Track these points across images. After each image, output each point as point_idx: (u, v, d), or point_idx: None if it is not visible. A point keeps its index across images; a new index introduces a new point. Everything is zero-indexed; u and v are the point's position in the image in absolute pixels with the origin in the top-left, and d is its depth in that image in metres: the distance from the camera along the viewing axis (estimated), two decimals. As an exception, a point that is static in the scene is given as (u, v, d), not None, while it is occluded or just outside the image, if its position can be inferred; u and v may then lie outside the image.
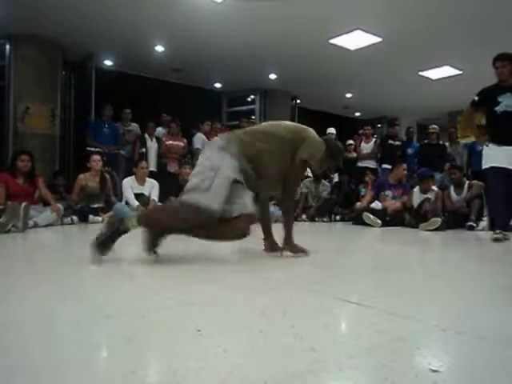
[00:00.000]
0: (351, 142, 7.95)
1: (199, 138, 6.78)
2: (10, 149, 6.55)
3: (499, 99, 3.90)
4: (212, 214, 2.12)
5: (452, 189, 5.67)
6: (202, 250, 3.00)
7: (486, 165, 3.98)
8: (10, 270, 2.09)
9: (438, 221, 4.93)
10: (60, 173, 6.59)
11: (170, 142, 6.59)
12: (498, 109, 3.89)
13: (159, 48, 7.32)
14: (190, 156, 6.86)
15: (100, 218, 4.92)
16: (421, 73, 8.29)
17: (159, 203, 5.01)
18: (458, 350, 1.07)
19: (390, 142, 7.16)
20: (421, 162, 6.73)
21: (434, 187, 5.78)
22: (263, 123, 2.79)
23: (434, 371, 0.89)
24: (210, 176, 2.16)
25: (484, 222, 5.15)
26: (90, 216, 4.86)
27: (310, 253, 2.50)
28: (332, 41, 6.75)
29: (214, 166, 2.19)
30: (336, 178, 7.65)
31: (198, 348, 1.02)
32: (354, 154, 7.69)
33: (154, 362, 0.98)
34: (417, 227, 5.11)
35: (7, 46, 6.72)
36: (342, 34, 6.52)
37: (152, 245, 2.33)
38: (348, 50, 7.10)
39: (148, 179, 5.16)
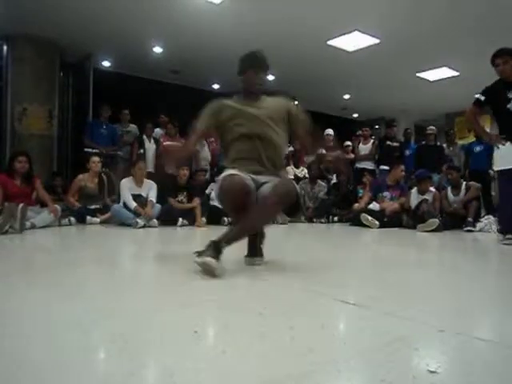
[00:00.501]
0: (349, 143, 7.95)
1: (198, 140, 6.78)
2: (7, 150, 6.54)
3: (510, 96, 3.74)
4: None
5: (449, 190, 5.68)
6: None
7: (500, 166, 3.81)
8: (8, 271, 2.09)
9: (435, 222, 4.94)
10: (58, 173, 6.58)
11: (168, 143, 6.58)
12: (511, 106, 3.71)
13: (157, 49, 7.32)
14: (187, 157, 6.84)
15: (98, 220, 4.91)
16: (418, 74, 8.32)
17: (157, 204, 5.00)
18: (456, 351, 1.07)
19: (388, 143, 7.18)
20: (418, 164, 6.74)
21: (432, 188, 5.79)
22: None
23: (431, 372, 0.90)
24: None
25: (482, 224, 5.16)
26: (88, 217, 4.85)
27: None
28: (330, 42, 6.76)
29: None
30: (334, 178, 7.65)
31: (196, 349, 1.01)
32: (352, 155, 7.70)
33: (153, 364, 0.97)
34: (414, 228, 5.11)
35: (5, 47, 6.71)
36: (339, 36, 6.53)
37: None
38: (346, 51, 7.12)
39: (146, 180, 5.15)
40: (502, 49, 3.83)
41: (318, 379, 0.88)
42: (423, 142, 7.50)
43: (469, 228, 5.06)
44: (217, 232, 2.67)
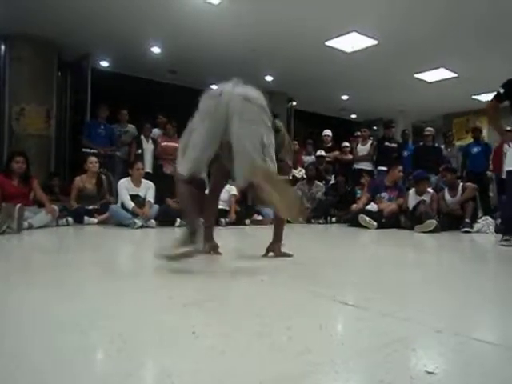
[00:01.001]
0: (347, 144, 7.97)
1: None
2: (5, 150, 6.52)
3: None
4: None
5: (446, 191, 5.69)
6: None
7: (508, 166, 3.79)
8: (6, 271, 2.08)
9: (432, 223, 4.94)
10: (55, 174, 6.56)
11: (166, 143, 6.57)
12: None
13: (155, 49, 7.31)
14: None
15: (95, 220, 4.90)
16: (416, 75, 8.33)
17: (155, 204, 4.99)
18: (454, 352, 1.07)
19: (386, 144, 7.18)
20: (416, 165, 6.75)
21: (430, 189, 5.80)
22: None
23: (429, 373, 0.90)
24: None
25: (479, 224, 5.18)
26: (86, 217, 4.84)
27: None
28: (328, 43, 6.77)
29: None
30: (332, 179, 7.66)
31: (194, 349, 1.01)
32: (350, 156, 7.71)
33: (150, 364, 0.97)
34: (412, 229, 5.12)
35: (2, 47, 6.70)
36: (338, 37, 6.54)
37: None
38: (344, 52, 7.13)
39: (144, 180, 5.15)
40: None
41: (316, 380, 0.88)
42: (421, 143, 7.51)
43: (466, 229, 5.07)
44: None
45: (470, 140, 7.91)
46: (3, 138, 6.65)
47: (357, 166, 7.42)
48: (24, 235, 3.70)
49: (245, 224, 5.50)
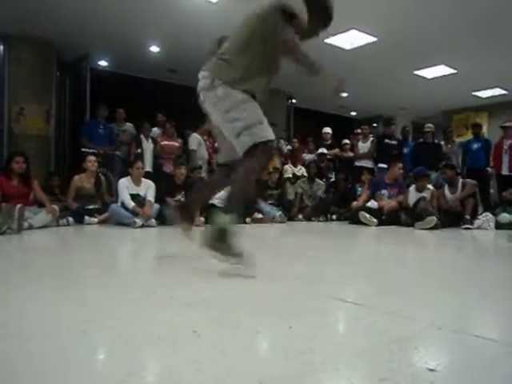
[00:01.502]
0: (347, 141, 7.96)
1: (195, 139, 6.76)
2: (4, 150, 6.52)
3: None
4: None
5: (446, 188, 5.69)
6: (201, 249, 2.99)
7: None
8: (7, 271, 2.08)
9: (433, 220, 4.94)
10: (55, 173, 6.56)
11: (165, 142, 6.57)
12: None
13: (154, 48, 7.30)
14: (185, 156, 6.84)
15: (95, 220, 4.90)
16: (416, 72, 8.32)
17: (156, 204, 4.99)
18: (455, 349, 1.07)
19: (386, 141, 7.18)
20: (416, 161, 6.75)
21: (430, 186, 5.80)
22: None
23: (430, 370, 0.90)
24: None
25: (479, 221, 5.17)
26: (86, 217, 4.84)
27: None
28: (327, 40, 6.76)
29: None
30: (332, 177, 7.66)
31: (195, 349, 1.01)
32: (351, 154, 7.71)
33: (151, 364, 0.97)
34: (412, 226, 5.12)
35: (1, 47, 6.69)
36: (337, 34, 6.52)
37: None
38: (343, 49, 7.11)
39: (144, 180, 5.14)
40: None
41: (318, 378, 0.88)
42: (421, 140, 7.50)
43: (466, 225, 5.07)
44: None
45: (469, 136, 7.90)
46: (3, 138, 6.65)
47: (357, 163, 7.42)
48: (24, 235, 3.70)
49: (245, 222, 5.50)
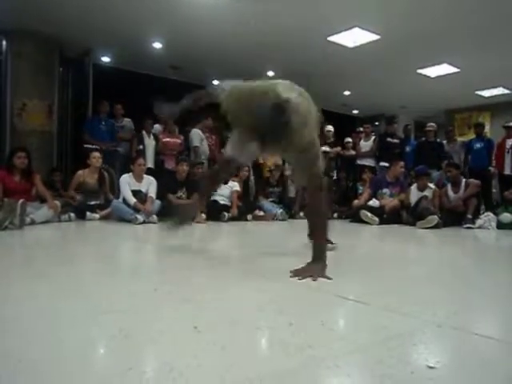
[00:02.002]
0: (349, 139, 7.95)
1: (196, 135, 6.75)
2: (7, 145, 6.52)
3: None
4: None
5: (449, 187, 5.68)
6: (202, 246, 3.01)
7: None
8: (8, 266, 2.09)
9: (434, 219, 4.94)
10: (57, 169, 6.57)
11: (167, 139, 6.57)
12: None
13: (157, 45, 7.29)
14: (187, 153, 6.84)
15: (97, 216, 4.92)
16: (419, 70, 8.29)
17: (157, 200, 5.00)
18: (455, 347, 1.08)
19: (388, 139, 7.17)
20: (418, 160, 6.74)
21: (432, 185, 5.79)
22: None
23: (430, 368, 0.90)
24: None
25: (481, 221, 5.17)
26: (88, 213, 4.85)
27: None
28: (330, 38, 6.74)
29: None
30: (334, 175, 7.65)
31: (195, 344, 1.02)
32: (353, 152, 7.70)
33: (152, 359, 0.98)
34: (414, 225, 5.11)
35: (4, 42, 6.67)
36: (340, 32, 6.51)
37: None
38: (346, 47, 7.09)
39: (145, 176, 5.15)
40: None
41: (318, 374, 0.88)
42: (423, 139, 7.49)
43: (468, 225, 5.07)
44: (216, 228, 2.67)
45: (472, 136, 7.88)
46: (5, 134, 6.65)
47: (360, 161, 7.42)
48: (26, 231, 3.71)
49: (246, 219, 5.51)
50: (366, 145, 7.44)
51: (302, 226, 5.29)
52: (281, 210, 5.96)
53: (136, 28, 6.54)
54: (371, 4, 5.60)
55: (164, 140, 6.54)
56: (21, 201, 3.79)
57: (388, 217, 5.45)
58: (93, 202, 5.05)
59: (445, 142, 7.57)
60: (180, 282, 1.77)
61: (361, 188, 6.71)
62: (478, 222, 5.15)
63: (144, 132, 6.54)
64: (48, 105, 6.79)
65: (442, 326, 1.20)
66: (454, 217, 5.29)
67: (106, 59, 8.10)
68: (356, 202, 6.00)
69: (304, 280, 1.78)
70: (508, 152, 6.77)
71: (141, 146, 6.39)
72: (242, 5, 5.62)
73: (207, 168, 6.45)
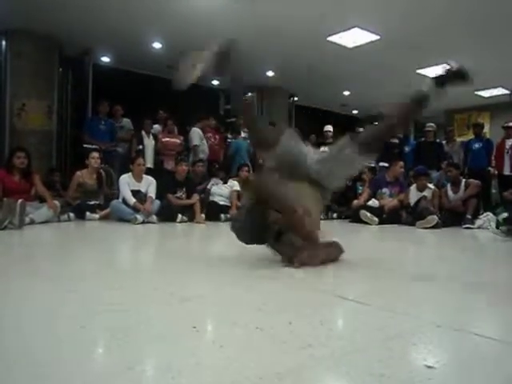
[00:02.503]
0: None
1: (196, 134, 6.74)
2: (6, 145, 6.52)
3: None
4: None
5: (449, 187, 5.68)
6: (202, 246, 3.00)
7: None
8: (8, 266, 2.09)
9: (434, 219, 4.94)
10: (56, 169, 6.57)
11: (167, 139, 6.57)
12: None
13: (156, 45, 7.29)
14: (186, 153, 6.84)
15: (97, 215, 4.91)
16: (418, 71, 8.29)
17: (156, 200, 5.00)
18: (454, 347, 1.08)
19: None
20: (417, 160, 6.75)
21: (431, 185, 5.79)
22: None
23: (429, 367, 0.90)
24: None
25: (480, 221, 5.17)
26: (87, 213, 4.85)
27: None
28: (330, 38, 6.74)
29: None
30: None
31: (194, 343, 1.02)
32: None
33: (151, 358, 0.98)
34: (413, 225, 5.11)
35: (3, 42, 6.67)
36: (339, 32, 6.51)
37: None
38: (346, 47, 7.10)
39: (145, 176, 5.15)
40: None
41: (317, 374, 0.88)
42: (422, 139, 7.49)
43: (467, 225, 5.07)
44: (216, 228, 2.67)
45: (471, 136, 7.88)
46: (4, 134, 6.64)
47: (359, 161, 7.40)
48: (25, 230, 3.71)
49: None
50: (365, 145, 7.43)
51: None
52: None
53: (135, 28, 6.54)
54: (371, 4, 5.61)
55: (163, 140, 6.54)
56: (20, 201, 3.78)
57: (387, 217, 5.45)
58: (92, 202, 5.05)
59: (444, 142, 7.57)
60: (179, 281, 1.77)
61: (360, 188, 6.70)
62: (478, 222, 5.14)
63: (143, 132, 6.54)
64: (47, 105, 6.79)
65: (442, 326, 1.20)
66: (453, 217, 5.29)
67: (105, 59, 8.10)
68: (355, 202, 5.99)
69: (304, 279, 1.78)
70: (507, 152, 6.77)
71: (140, 146, 6.39)
72: (241, 5, 5.62)
73: (207, 167, 6.46)
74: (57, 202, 4.47)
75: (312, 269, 2.14)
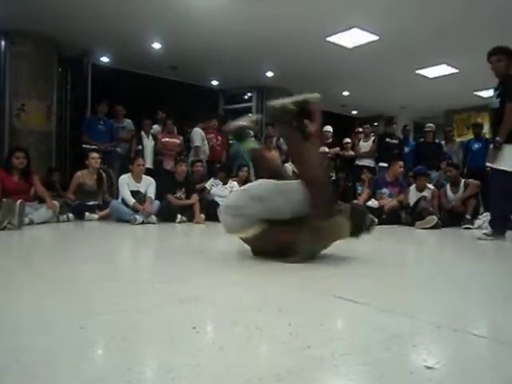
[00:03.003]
0: (348, 140, 7.96)
1: (198, 134, 6.74)
2: (5, 146, 6.51)
3: (495, 93, 3.87)
4: None
5: (448, 187, 5.69)
6: (201, 246, 3.00)
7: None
8: (6, 267, 2.09)
9: (433, 219, 4.94)
10: (56, 169, 6.57)
11: (166, 139, 6.57)
12: (493, 103, 3.86)
13: (156, 45, 7.29)
14: (186, 153, 6.85)
15: (96, 216, 4.91)
16: (418, 71, 8.30)
17: (156, 201, 5.00)
18: (454, 348, 1.08)
19: (387, 140, 7.18)
20: (417, 161, 6.75)
21: (431, 185, 5.80)
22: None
23: (429, 368, 0.90)
24: None
25: (480, 221, 5.17)
26: (86, 213, 4.85)
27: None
28: (329, 39, 6.74)
29: None
30: (333, 175, 7.66)
31: (194, 345, 1.02)
32: (352, 152, 7.70)
33: (150, 359, 0.97)
34: (413, 225, 5.12)
35: (2, 42, 6.67)
36: (338, 32, 6.51)
37: None
38: (345, 48, 7.10)
39: (144, 176, 5.15)
40: (496, 47, 3.86)
41: (316, 375, 0.88)
42: (422, 140, 7.50)
43: (467, 225, 5.07)
44: (215, 228, 2.67)
45: (470, 136, 7.88)
46: (4, 134, 6.64)
47: (359, 162, 7.42)
48: (25, 231, 3.71)
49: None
50: (365, 145, 7.45)
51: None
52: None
53: (135, 28, 6.54)
54: (370, 4, 5.61)
55: (163, 140, 6.54)
56: (19, 201, 3.78)
57: (387, 217, 5.45)
58: (91, 203, 5.04)
59: (443, 142, 7.58)
60: (179, 281, 1.77)
61: (360, 188, 6.71)
62: (477, 222, 5.14)
63: (143, 132, 6.54)
64: (47, 105, 6.79)
65: (441, 327, 1.20)
66: (452, 217, 5.30)
67: (104, 59, 8.10)
68: (355, 202, 6.00)
69: (304, 279, 1.78)
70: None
71: (140, 147, 6.39)
72: (241, 6, 5.62)
73: (207, 167, 6.47)
74: (56, 203, 4.46)
75: (312, 269, 2.14)
